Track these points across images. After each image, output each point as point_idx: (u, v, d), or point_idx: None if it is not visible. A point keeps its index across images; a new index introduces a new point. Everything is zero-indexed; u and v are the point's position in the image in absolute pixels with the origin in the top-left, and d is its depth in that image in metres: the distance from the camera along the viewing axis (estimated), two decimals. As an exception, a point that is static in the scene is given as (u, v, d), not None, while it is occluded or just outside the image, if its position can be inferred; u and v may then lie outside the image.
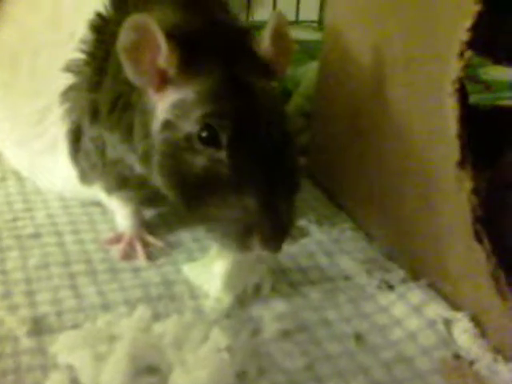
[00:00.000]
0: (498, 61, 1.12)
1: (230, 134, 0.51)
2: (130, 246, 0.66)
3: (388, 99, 0.64)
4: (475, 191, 0.54)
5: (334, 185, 0.78)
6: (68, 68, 0.62)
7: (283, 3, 1.25)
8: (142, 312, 0.55)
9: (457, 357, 0.54)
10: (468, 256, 0.55)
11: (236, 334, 0.54)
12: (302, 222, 0.71)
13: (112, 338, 0.52)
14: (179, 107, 0.53)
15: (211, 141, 0.51)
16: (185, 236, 0.69)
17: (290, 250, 0.66)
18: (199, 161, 0.52)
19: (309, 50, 1.13)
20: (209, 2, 0.62)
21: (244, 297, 0.59)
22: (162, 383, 0.49)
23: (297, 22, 1.34)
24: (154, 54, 0.52)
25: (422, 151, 0.60)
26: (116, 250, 0.65)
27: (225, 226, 0.51)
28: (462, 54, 0.52)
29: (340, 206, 0.76)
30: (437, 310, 0.58)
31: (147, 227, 0.69)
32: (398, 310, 0.59)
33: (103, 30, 0.61)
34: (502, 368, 0.52)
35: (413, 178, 0.62)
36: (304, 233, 0.70)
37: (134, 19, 0.52)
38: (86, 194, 0.70)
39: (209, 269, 0.60)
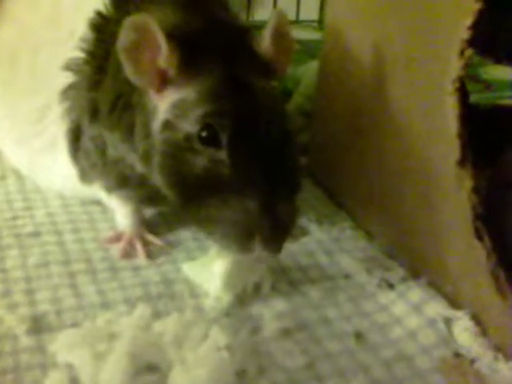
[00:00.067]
0: (498, 60, 1.12)
1: (230, 134, 0.51)
2: (130, 244, 0.66)
3: (388, 98, 0.64)
4: (475, 190, 0.54)
5: (334, 184, 0.78)
6: (68, 67, 0.62)
7: (283, 3, 1.25)
8: (141, 311, 0.55)
9: (457, 355, 0.54)
10: (468, 254, 0.55)
11: (236, 333, 0.54)
12: (302, 221, 0.71)
13: (112, 337, 0.52)
14: (179, 107, 0.53)
15: (211, 141, 0.51)
16: (185, 235, 0.69)
17: (290, 248, 0.66)
18: (199, 161, 0.52)
19: (309, 50, 1.13)
20: (209, 1, 0.62)
21: (244, 295, 0.59)
22: (161, 382, 0.49)
23: (297, 22, 1.34)
24: (154, 54, 0.52)
25: (422, 150, 0.60)
26: (116, 249, 0.65)
27: (225, 227, 0.51)
28: (462, 53, 0.52)
29: (340, 204, 0.76)
30: (437, 308, 0.58)
31: (147, 226, 0.69)
32: (398, 308, 0.59)
33: (103, 28, 0.61)
34: (503, 366, 0.52)
35: (413, 177, 0.62)
36: (304, 232, 0.70)
37: (134, 19, 0.52)
38: (85, 193, 0.70)
39: (209, 267, 0.60)
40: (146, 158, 0.56)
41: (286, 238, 0.52)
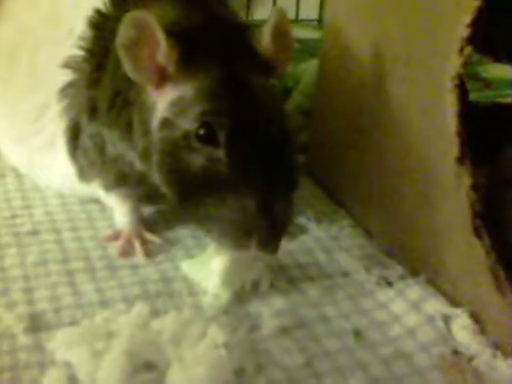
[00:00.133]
0: (497, 59, 1.12)
1: (228, 133, 0.51)
2: (129, 243, 0.66)
3: (388, 96, 0.64)
4: (474, 187, 0.54)
5: (334, 182, 0.78)
6: (67, 65, 0.62)
7: (283, 2, 1.25)
8: (140, 309, 0.55)
9: (456, 353, 0.54)
10: (467, 252, 0.55)
11: (234, 331, 0.54)
12: (300, 220, 0.71)
13: (110, 335, 0.52)
14: (178, 105, 0.53)
15: (209, 139, 0.51)
16: (183, 233, 0.69)
17: (289, 246, 0.66)
18: (197, 159, 0.52)
19: (309, 49, 1.13)
20: (208, -2, 0.62)
21: (242, 293, 0.59)
22: (159, 380, 0.49)
23: (297, 21, 1.34)
24: (153, 50, 0.52)
25: (421, 148, 0.60)
26: (114, 247, 0.65)
27: (222, 225, 0.51)
28: (461, 50, 0.52)
29: (339, 203, 0.76)
30: (436, 306, 0.58)
31: (146, 224, 0.69)
32: (397, 306, 0.59)
33: (102, 26, 0.61)
34: (501, 364, 0.52)
35: (412, 175, 0.62)
36: (303, 230, 0.70)
37: (133, 15, 0.52)
38: (84, 191, 0.70)
39: (207, 265, 0.60)
40: (145, 155, 0.56)
41: (283, 237, 0.52)
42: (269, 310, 0.57)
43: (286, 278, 0.62)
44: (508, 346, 0.52)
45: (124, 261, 0.64)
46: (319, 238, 0.69)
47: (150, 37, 0.52)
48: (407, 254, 0.64)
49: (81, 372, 0.49)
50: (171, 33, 0.52)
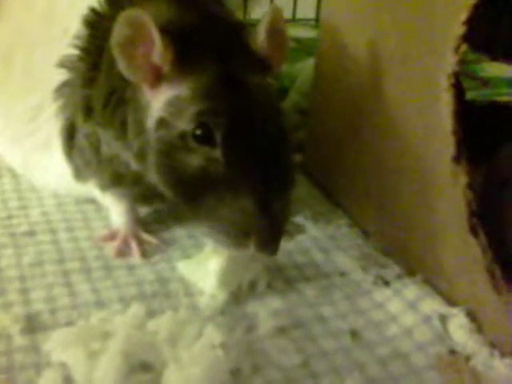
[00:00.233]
0: (495, 57, 1.13)
1: (225, 132, 0.51)
2: (125, 243, 0.65)
3: (385, 95, 0.64)
4: (470, 186, 0.54)
5: (331, 182, 0.78)
6: (62, 64, 0.62)
7: (280, 1, 1.24)
8: (136, 309, 0.55)
9: (452, 352, 0.54)
10: (464, 251, 0.55)
11: (231, 331, 0.54)
12: (297, 219, 0.71)
13: (106, 336, 0.52)
14: (174, 104, 0.53)
15: (205, 139, 0.51)
16: (180, 233, 0.68)
17: (286, 246, 0.65)
18: (194, 159, 0.52)
19: (306, 48, 1.13)
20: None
21: (239, 293, 0.59)
22: (155, 380, 0.49)
23: (294, 20, 1.34)
24: (148, 49, 0.52)
25: (417, 147, 0.60)
26: (110, 248, 0.65)
27: (221, 225, 0.51)
28: (457, 48, 0.52)
29: (336, 202, 0.76)
30: (432, 305, 0.57)
31: (142, 224, 0.69)
32: (394, 305, 0.59)
33: (97, 25, 0.60)
34: (498, 363, 0.52)
35: (409, 175, 0.62)
36: (300, 229, 0.70)
37: (128, 14, 0.51)
38: (80, 191, 0.69)
39: (204, 266, 0.59)
40: (141, 155, 0.56)
41: (282, 237, 0.52)
42: (265, 310, 0.57)
43: (283, 278, 0.62)
44: (505, 345, 0.52)
45: (120, 261, 0.64)
46: (316, 237, 0.69)
47: (145, 36, 0.51)
48: (404, 253, 0.64)
49: (77, 373, 0.49)
50: (166, 32, 0.52)
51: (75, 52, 0.61)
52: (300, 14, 1.35)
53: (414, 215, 0.62)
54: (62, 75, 0.62)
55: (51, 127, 0.65)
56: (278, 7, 0.57)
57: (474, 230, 0.53)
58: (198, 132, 0.51)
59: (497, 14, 1.09)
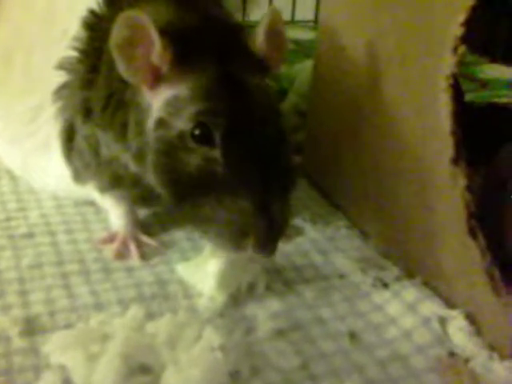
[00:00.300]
0: (494, 59, 1.13)
1: (224, 132, 0.51)
2: (124, 245, 0.65)
3: (383, 96, 0.64)
4: (469, 188, 0.53)
5: (329, 183, 0.78)
6: (61, 66, 0.62)
7: (279, 3, 1.25)
8: (135, 311, 0.55)
9: (452, 355, 0.53)
10: (463, 253, 0.55)
11: (229, 333, 0.54)
12: (296, 221, 0.71)
13: (105, 338, 0.52)
14: (172, 105, 0.53)
15: (204, 139, 0.51)
16: (179, 235, 0.68)
17: (285, 248, 0.65)
18: (193, 159, 0.51)
19: (305, 50, 1.13)
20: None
21: (238, 296, 0.59)
22: (154, 382, 0.49)
23: (293, 22, 1.34)
24: (147, 50, 0.52)
25: (416, 148, 0.60)
26: (109, 250, 0.65)
27: (219, 225, 0.51)
28: (455, 50, 0.52)
29: (335, 204, 0.76)
30: (432, 307, 0.57)
31: (141, 227, 0.68)
32: (393, 308, 0.59)
33: (96, 27, 0.61)
34: (498, 366, 0.52)
35: (408, 176, 0.61)
36: (298, 231, 0.70)
37: (127, 15, 0.51)
38: (79, 193, 0.69)
39: (202, 268, 0.59)
40: (140, 156, 0.56)
41: (280, 239, 0.52)
42: (264, 313, 0.57)
43: (282, 280, 0.62)
44: (504, 348, 0.52)
45: (119, 263, 0.63)
46: (315, 239, 0.69)
47: (144, 37, 0.51)
48: (403, 254, 0.64)
49: (76, 375, 0.49)
50: (165, 33, 0.52)
51: (74, 54, 0.61)
52: (299, 16, 1.35)
53: (413, 217, 0.62)
54: (61, 77, 0.62)
55: (50, 128, 0.65)
56: (276, 9, 0.57)
57: (472, 232, 0.53)
58: (197, 132, 0.51)
59: (495, 15, 1.09)
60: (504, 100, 0.97)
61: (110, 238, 0.67)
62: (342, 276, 0.63)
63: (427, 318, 0.57)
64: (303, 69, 0.96)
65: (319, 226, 0.71)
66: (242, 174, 0.51)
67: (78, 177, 0.66)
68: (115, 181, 0.64)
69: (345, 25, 0.71)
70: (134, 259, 0.64)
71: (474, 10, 0.50)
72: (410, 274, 0.62)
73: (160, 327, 0.53)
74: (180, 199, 0.53)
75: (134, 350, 0.50)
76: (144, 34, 0.51)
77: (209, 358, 0.50)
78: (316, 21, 1.31)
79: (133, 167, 0.59)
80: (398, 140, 0.62)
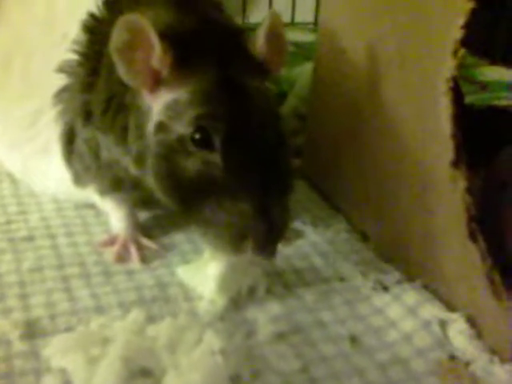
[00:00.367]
0: (493, 61, 1.13)
1: (224, 136, 0.51)
2: (124, 248, 0.65)
3: (383, 99, 0.64)
4: (469, 190, 0.53)
5: (329, 186, 0.78)
6: (61, 69, 0.62)
7: (279, 5, 1.25)
8: (135, 315, 0.55)
9: (452, 358, 0.53)
10: (463, 256, 0.55)
11: (230, 337, 0.54)
12: (296, 224, 0.71)
13: (105, 341, 0.52)
14: (172, 108, 0.53)
15: (204, 143, 0.51)
16: (179, 238, 0.68)
17: (285, 251, 0.65)
18: (192, 163, 0.52)
19: (305, 52, 1.13)
20: (202, 1, 0.62)
21: (238, 299, 0.59)
22: (155, 386, 0.49)
23: (292, 24, 1.34)
24: (147, 54, 0.52)
25: (416, 151, 0.60)
26: (110, 253, 0.65)
27: (219, 228, 0.51)
28: (455, 53, 0.52)
29: (335, 207, 0.76)
30: (432, 311, 0.57)
31: (141, 229, 0.68)
32: (393, 311, 0.58)
33: (96, 30, 0.61)
34: (498, 369, 0.52)
35: (408, 179, 0.61)
36: (299, 234, 0.70)
37: (127, 19, 0.51)
38: (79, 196, 0.69)
39: (203, 271, 0.59)
40: (140, 160, 0.56)
41: (279, 241, 0.52)
42: (265, 316, 0.57)
43: (283, 284, 0.62)
44: (505, 351, 0.52)
45: (119, 266, 0.63)
46: (315, 242, 0.69)
47: (144, 40, 0.51)
48: (403, 257, 0.64)
49: (76, 378, 0.49)
50: (165, 36, 0.52)
51: (74, 57, 0.61)
52: (298, 18, 1.34)
53: (413, 220, 0.62)
54: (61, 80, 0.62)
55: (50, 132, 0.65)
56: (276, 12, 0.57)
57: (473, 235, 0.53)
58: (197, 136, 0.51)
59: (495, 18, 1.09)
60: (504, 102, 0.97)
61: (111, 241, 0.67)
62: (342, 279, 0.63)
63: (427, 321, 0.57)
64: (303, 72, 0.96)
65: (319, 228, 0.71)
66: (242, 178, 0.51)
67: (79, 180, 0.66)
68: (115, 184, 0.64)
69: (345, 27, 0.71)
70: (135, 262, 0.64)
71: (474, 12, 0.50)
72: (410, 277, 0.62)
73: (160, 330, 0.53)
74: (180, 202, 0.53)
75: (135, 354, 0.50)
76: (144, 38, 0.51)
77: (209, 362, 0.50)
78: (316, 23, 1.31)
79: (133, 170, 0.59)
80: (398, 143, 0.62)
